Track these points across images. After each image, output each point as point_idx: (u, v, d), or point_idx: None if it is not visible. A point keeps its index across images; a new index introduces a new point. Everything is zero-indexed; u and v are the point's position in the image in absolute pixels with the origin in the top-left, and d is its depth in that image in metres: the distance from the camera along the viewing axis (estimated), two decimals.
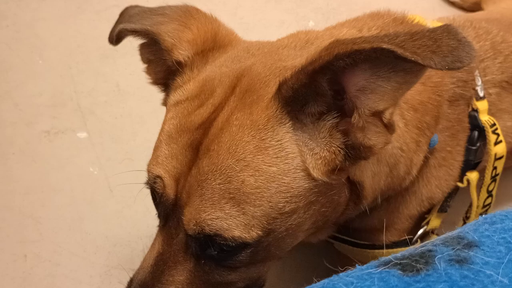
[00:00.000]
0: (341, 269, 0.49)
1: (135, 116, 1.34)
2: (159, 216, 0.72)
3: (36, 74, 1.41)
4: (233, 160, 0.62)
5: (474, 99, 0.86)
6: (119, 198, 1.20)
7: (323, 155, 0.63)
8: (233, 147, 0.63)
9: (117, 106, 1.36)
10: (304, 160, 0.63)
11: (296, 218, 0.66)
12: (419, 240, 0.89)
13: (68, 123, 1.32)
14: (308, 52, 0.70)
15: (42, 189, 1.21)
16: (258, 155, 0.62)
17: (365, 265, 0.46)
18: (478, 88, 0.86)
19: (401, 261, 0.46)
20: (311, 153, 0.63)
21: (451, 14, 1.38)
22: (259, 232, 0.64)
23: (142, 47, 0.81)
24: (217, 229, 0.63)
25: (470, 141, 0.86)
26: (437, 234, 0.91)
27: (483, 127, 0.85)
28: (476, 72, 0.87)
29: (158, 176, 0.68)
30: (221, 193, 0.62)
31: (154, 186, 0.69)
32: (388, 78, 0.56)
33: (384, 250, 0.85)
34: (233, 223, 0.63)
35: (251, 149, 0.62)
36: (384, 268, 0.45)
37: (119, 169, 1.23)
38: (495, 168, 0.88)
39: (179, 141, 0.67)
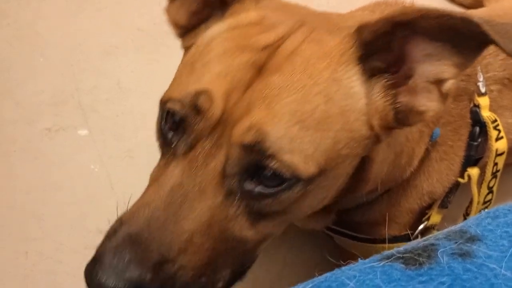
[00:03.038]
0: (343, 263, 0.49)
1: (137, 114, 1.34)
2: (178, 142, 0.63)
3: (37, 72, 1.41)
4: (310, 82, 0.59)
5: (476, 94, 0.86)
6: (120, 195, 1.19)
7: (380, 109, 0.63)
8: (309, 70, 0.60)
9: (119, 104, 1.36)
10: (368, 104, 0.63)
11: (341, 169, 0.64)
12: (419, 236, 0.89)
13: (69, 121, 1.32)
14: (353, 21, 0.69)
15: (43, 187, 1.21)
16: (332, 84, 0.61)
17: (367, 259, 0.46)
18: (480, 84, 0.86)
19: (404, 255, 0.46)
20: (371, 101, 0.63)
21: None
22: (315, 169, 0.60)
23: None
24: (278, 148, 0.57)
25: (472, 136, 0.86)
26: (437, 230, 0.91)
27: (485, 122, 0.85)
28: (478, 68, 0.87)
29: (203, 91, 0.61)
30: (292, 112, 0.58)
31: (196, 103, 0.61)
32: (455, 51, 0.58)
33: (385, 245, 0.85)
34: (296, 148, 0.58)
35: (326, 77, 0.60)
36: (387, 262, 0.45)
37: (121, 166, 1.24)
38: (496, 164, 0.87)
39: (237, 58, 0.62)
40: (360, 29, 0.61)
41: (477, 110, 0.85)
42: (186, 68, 0.68)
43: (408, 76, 0.62)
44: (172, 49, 1.47)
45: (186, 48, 0.75)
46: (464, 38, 0.56)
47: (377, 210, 0.85)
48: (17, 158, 1.25)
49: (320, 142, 0.59)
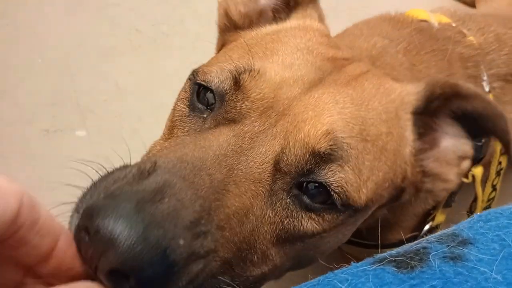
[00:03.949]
0: (336, 266, 0.49)
1: (134, 115, 1.34)
2: (217, 112, 0.58)
3: (35, 73, 1.41)
4: (379, 106, 0.59)
5: None
6: None
7: (414, 164, 0.65)
8: (379, 96, 0.61)
9: (116, 105, 1.36)
10: (410, 154, 0.64)
11: (376, 211, 0.65)
12: (425, 236, 0.89)
13: (67, 122, 1.32)
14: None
15: (41, 188, 1.21)
16: (395, 119, 0.62)
17: (360, 262, 0.47)
18: (484, 83, 0.86)
19: (396, 258, 0.46)
20: (412, 153, 0.65)
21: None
22: (363, 201, 0.57)
23: None
24: (347, 160, 0.54)
25: None
26: (441, 229, 0.91)
27: None
28: (482, 66, 0.87)
29: (253, 69, 0.57)
30: (361, 127, 0.56)
31: (238, 78, 0.57)
32: (470, 135, 0.66)
33: (392, 250, 0.85)
34: (357, 166, 0.55)
35: (392, 109, 0.61)
36: (379, 265, 0.45)
37: None
38: (500, 163, 0.88)
39: (305, 55, 0.61)
40: (435, 83, 0.63)
41: None
42: (237, 49, 0.65)
43: (433, 145, 0.65)
44: (170, 50, 1.48)
45: (223, 45, 0.75)
46: (485, 127, 0.62)
47: (382, 216, 0.85)
48: (15, 158, 1.26)
49: (374, 171, 0.57)
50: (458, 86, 0.62)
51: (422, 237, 0.87)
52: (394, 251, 0.48)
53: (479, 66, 0.87)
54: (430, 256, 0.45)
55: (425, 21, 0.89)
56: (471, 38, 0.89)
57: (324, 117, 0.54)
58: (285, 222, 0.55)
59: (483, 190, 0.89)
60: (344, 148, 0.53)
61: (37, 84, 1.39)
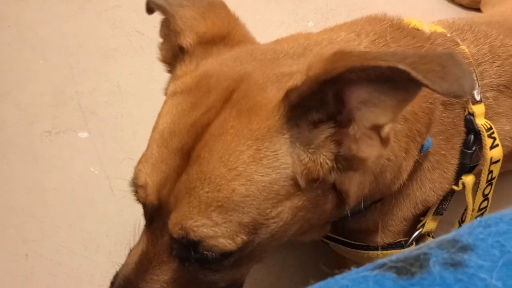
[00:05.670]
0: (337, 271, 0.49)
1: (136, 116, 1.35)
2: (144, 216, 0.73)
3: (37, 74, 1.41)
4: (224, 169, 0.62)
5: (470, 102, 0.85)
6: (119, 197, 1.21)
7: (309, 165, 0.63)
8: (226, 156, 0.62)
9: (118, 106, 1.36)
10: (295, 171, 0.64)
11: (283, 224, 0.67)
12: (414, 243, 0.89)
13: (69, 123, 1.33)
14: (305, 60, 0.69)
15: (43, 189, 1.22)
16: (252, 165, 0.62)
17: (360, 268, 0.47)
18: (475, 92, 0.85)
19: (396, 264, 0.46)
20: (301, 163, 0.63)
21: (450, 16, 1.38)
22: (244, 238, 0.64)
23: (164, 21, 0.81)
24: (202, 236, 0.63)
25: (466, 144, 0.86)
26: (433, 237, 0.91)
27: (479, 131, 0.85)
28: (473, 75, 0.86)
29: (141, 186, 0.68)
30: (208, 201, 0.62)
31: (136, 196, 0.70)
32: (389, 94, 0.56)
33: (379, 252, 0.86)
34: (219, 231, 0.63)
35: (245, 159, 0.62)
36: (379, 271, 0.45)
37: (120, 168, 1.24)
38: (491, 172, 0.87)
39: (169, 144, 0.66)
40: (288, 94, 0.61)
41: (472, 118, 0.85)
42: (151, 135, 0.71)
43: (350, 121, 0.61)
44: None
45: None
46: (396, 82, 0.54)
47: (370, 218, 0.86)
48: (16, 160, 1.26)
49: (242, 217, 0.63)
50: (317, 79, 0.56)
51: (412, 243, 0.89)
52: (394, 256, 0.48)
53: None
54: (430, 262, 0.45)
55: (416, 29, 0.86)
56: (463, 47, 0.88)
57: (177, 210, 0.64)
58: (206, 266, 0.69)
59: (474, 198, 0.89)
60: (194, 230, 0.63)
61: (39, 85, 1.39)
